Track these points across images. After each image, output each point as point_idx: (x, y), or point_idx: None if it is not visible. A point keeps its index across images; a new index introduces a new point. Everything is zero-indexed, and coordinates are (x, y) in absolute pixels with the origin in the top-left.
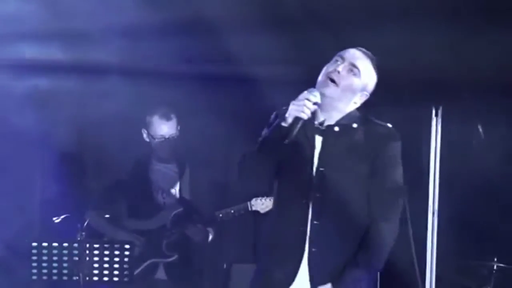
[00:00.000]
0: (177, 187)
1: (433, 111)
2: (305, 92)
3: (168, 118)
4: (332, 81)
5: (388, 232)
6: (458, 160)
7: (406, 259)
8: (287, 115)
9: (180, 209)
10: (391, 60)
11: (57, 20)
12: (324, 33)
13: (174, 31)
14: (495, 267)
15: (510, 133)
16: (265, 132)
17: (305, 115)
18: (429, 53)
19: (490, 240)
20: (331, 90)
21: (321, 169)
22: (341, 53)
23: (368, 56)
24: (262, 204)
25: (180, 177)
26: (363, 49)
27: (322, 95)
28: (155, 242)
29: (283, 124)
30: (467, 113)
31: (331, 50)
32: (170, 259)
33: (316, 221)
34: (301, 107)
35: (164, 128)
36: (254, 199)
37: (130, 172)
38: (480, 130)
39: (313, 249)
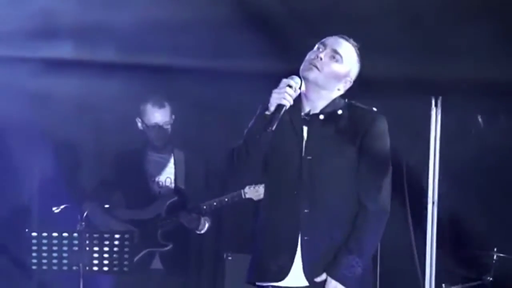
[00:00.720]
0: (172, 177)
1: (433, 102)
2: (286, 79)
3: (161, 106)
4: (315, 67)
5: (377, 216)
6: (457, 150)
7: (405, 249)
8: (269, 104)
9: (175, 198)
10: (391, 51)
11: (56, 18)
12: (322, 29)
13: (175, 27)
14: (495, 257)
15: (510, 123)
16: (250, 123)
17: (287, 102)
18: (428, 43)
19: (490, 230)
20: (314, 74)
21: (308, 157)
22: (323, 40)
23: (350, 43)
24: (256, 192)
25: (175, 166)
26: (345, 36)
27: (306, 80)
28: (150, 231)
29: (266, 112)
30: (467, 104)
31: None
32: (165, 248)
33: (307, 209)
34: (282, 94)
35: (158, 115)
36: (247, 187)
37: (125, 163)
38: (480, 120)
39: (305, 238)
